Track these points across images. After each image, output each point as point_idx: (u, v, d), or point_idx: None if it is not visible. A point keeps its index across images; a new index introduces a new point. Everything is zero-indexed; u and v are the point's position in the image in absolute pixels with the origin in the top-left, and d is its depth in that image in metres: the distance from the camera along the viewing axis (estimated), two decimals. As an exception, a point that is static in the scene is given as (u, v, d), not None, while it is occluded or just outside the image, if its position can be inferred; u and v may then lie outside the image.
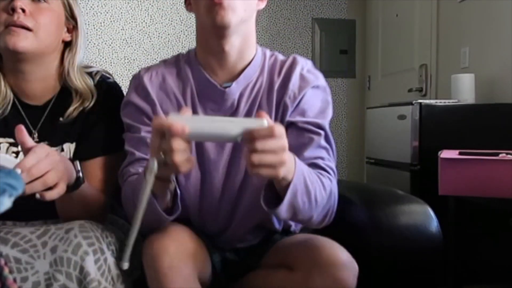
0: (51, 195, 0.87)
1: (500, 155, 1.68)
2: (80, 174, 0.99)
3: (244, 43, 1.05)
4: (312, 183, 0.94)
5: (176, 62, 1.12)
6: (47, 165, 0.86)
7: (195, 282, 0.97)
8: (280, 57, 1.13)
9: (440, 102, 2.27)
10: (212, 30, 1.01)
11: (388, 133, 2.56)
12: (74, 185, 0.99)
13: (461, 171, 1.62)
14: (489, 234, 2.09)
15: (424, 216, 1.19)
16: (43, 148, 0.88)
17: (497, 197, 1.59)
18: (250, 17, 1.04)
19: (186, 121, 0.77)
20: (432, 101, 2.29)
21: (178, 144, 0.77)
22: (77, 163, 1.00)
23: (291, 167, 0.87)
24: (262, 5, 1.08)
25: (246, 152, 0.78)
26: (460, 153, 1.75)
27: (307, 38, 3.84)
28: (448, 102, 2.28)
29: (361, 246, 1.05)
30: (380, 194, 1.31)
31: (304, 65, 1.11)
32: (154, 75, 1.10)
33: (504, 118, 2.19)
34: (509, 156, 1.64)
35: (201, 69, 1.07)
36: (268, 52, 1.13)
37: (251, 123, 0.78)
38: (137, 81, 1.10)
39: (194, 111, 1.07)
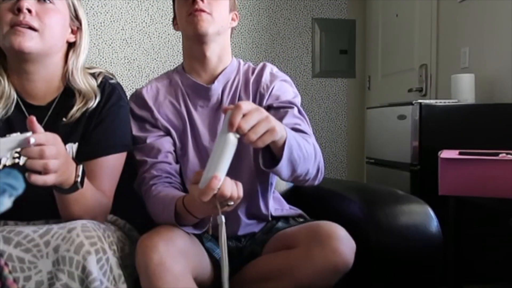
0: (36, 179, 0.86)
1: (500, 155, 1.67)
2: (79, 179, 0.98)
3: (222, 51, 1.26)
4: (299, 139, 1.07)
5: (167, 75, 1.33)
6: (56, 153, 0.88)
7: (186, 279, 0.99)
8: (252, 64, 1.34)
9: (440, 102, 2.26)
10: (194, 38, 1.21)
11: (388, 133, 2.56)
12: (70, 188, 0.98)
13: (461, 171, 1.62)
14: (489, 234, 2.09)
15: (424, 216, 1.19)
16: (56, 137, 0.90)
17: (497, 197, 1.59)
18: (224, 31, 1.26)
19: (210, 172, 0.87)
20: (432, 101, 2.28)
21: (234, 192, 0.89)
22: (80, 168, 0.99)
23: (282, 127, 0.99)
24: (235, 23, 1.31)
25: (244, 138, 0.89)
26: (460, 153, 1.75)
27: (307, 38, 3.84)
28: (448, 102, 2.28)
29: (361, 245, 1.05)
30: (380, 194, 1.31)
31: (273, 67, 1.33)
32: (150, 88, 1.29)
33: (504, 118, 2.19)
34: (509, 156, 1.64)
35: (188, 76, 1.28)
36: (242, 61, 1.35)
37: (225, 120, 0.88)
38: (134, 96, 1.29)
39: (187, 110, 1.26)
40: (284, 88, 1.28)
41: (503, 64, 2.37)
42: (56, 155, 0.88)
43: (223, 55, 1.27)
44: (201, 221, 1.05)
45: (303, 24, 3.83)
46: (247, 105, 0.90)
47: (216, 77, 1.26)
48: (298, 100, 1.28)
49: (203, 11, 1.17)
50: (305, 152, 1.07)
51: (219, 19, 1.21)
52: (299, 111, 1.25)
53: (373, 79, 3.81)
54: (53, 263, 0.94)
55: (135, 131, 1.25)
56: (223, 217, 0.89)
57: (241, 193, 0.92)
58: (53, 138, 0.89)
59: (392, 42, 3.51)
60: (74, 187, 0.98)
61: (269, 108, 1.24)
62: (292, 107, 1.24)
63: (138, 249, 0.99)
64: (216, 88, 1.26)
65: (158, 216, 1.11)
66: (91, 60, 3.54)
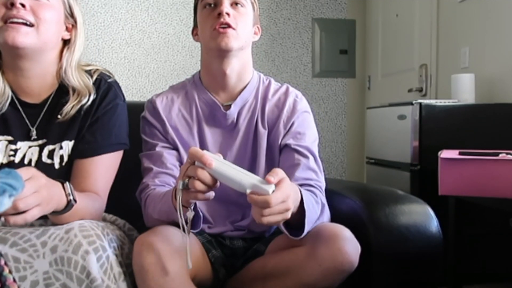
0: (15, 221, 0.82)
1: (500, 155, 1.67)
2: (71, 197, 0.96)
3: (242, 68, 1.23)
4: (314, 208, 1.07)
5: (183, 86, 1.30)
6: (33, 202, 0.83)
7: (181, 278, 0.98)
8: (274, 82, 1.31)
9: (440, 102, 2.26)
10: (216, 54, 1.19)
11: (388, 133, 2.56)
12: (64, 209, 0.96)
13: (461, 171, 1.62)
14: (489, 234, 2.09)
15: (424, 216, 1.19)
16: (31, 172, 0.85)
17: (497, 197, 1.59)
18: (247, 46, 1.23)
19: (215, 159, 0.89)
20: (432, 101, 2.28)
21: (201, 173, 0.89)
22: (67, 185, 0.96)
23: (296, 206, 0.97)
24: (257, 37, 1.29)
25: (254, 211, 0.89)
26: (460, 153, 1.75)
27: (307, 38, 3.84)
28: (448, 102, 2.28)
29: (361, 246, 1.05)
30: (380, 194, 1.31)
31: (297, 93, 1.30)
32: (164, 99, 1.27)
33: (504, 118, 2.19)
34: (509, 156, 1.64)
35: (206, 91, 1.25)
36: (262, 76, 1.31)
37: (261, 184, 0.88)
38: (150, 104, 1.28)
39: (199, 127, 1.25)
40: (306, 124, 1.26)
41: (503, 64, 2.37)
42: (35, 202, 0.83)
43: (243, 72, 1.24)
44: (195, 220, 1.03)
45: (303, 24, 3.83)
46: (278, 197, 0.87)
47: (234, 97, 1.24)
48: (317, 143, 1.26)
49: (230, 26, 1.15)
50: (318, 218, 1.10)
51: (243, 34, 1.19)
52: (315, 160, 1.22)
53: (373, 79, 3.81)
54: (50, 263, 0.93)
55: (146, 136, 1.25)
56: (180, 184, 0.91)
57: (207, 194, 0.92)
58: (32, 185, 0.83)
59: (392, 42, 3.51)
60: (69, 206, 0.96)
61: (285, 146, 1.23)
62: (308, 157, 1.21)
63: (134, 248, 1.00)
64: (233, 112, 1.24)
65: (154, 209, 1.10)
66: (92, 60, 3.53)
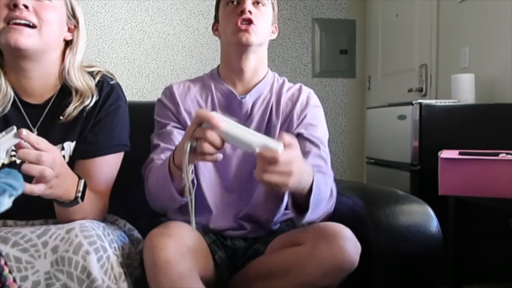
0: (27, 188, 0.86)
1: (500, 155, 1.67)
2: (79, 194, 0.99)
3: (258, 63, 1.30)
4: (324, 190, 1.06)
5: (201, 79, 1.36)
6: (52, 162, 0.88)
7: (192, 277, 0.99)
8: (287, 81, 1.38)
9: (440, 102, 2.27)
10: (236, 49, 1.25)
11: (388, 133, 2.56)
12: (70, 203, 0.99)
13: (461, 171, 1.62)
14: (489, 234, 2.09)
15: (424, 216, 1.19)
16: (52, 146, 0.91)
17: (497, 197, 1.59)
18: (265, 43, 1.30)
19: (224, 120, 0.89)
20: (432, 101, 2.29)
21: (210, 135, 0.89)
22: (82, 182, 1.00)
23: (304, 182, 0.97)
24: (274, 36, 1.36)
25: (258, 167, 0.88)
26: (460, 153, 1.75)
27: (307, 38, 3.84)
28: (448, 102, 2.28)
29: (361, 246, 1.05)
30: (380, 194, 1.31)
31: (310, 90, 1.36)
32: (182, 86, 1.33)
33: (504, 118, 2.19)
34: (509, 156, 1.64)
35: (223, 82, 1.31)
36: (277, 75, 1.38)
37: (270, 143, 0.88)
38: (167, 90, 1.33)
39: None
40: (318, 119, 1.31)
41: (503, 64, 2.37)
42: (51, 164, 0.88)
43: (259, 68, 1.31)
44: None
45: (303, 24, 3.83)
46: (287, 157, 0.88)
47: (249, 90, 1.30)
48: (327, 138, 1.31)
49: (251, 22, 1.22)
50: (326, 204, 1.10)
51: (263, 31, 1.26)
52: (324, 151, 1.26)
53: (373, 79, 3.81)
54: (51, 263, 0.94)
55: (159, 117, 1.29)
56: (188, 145, 0.90)
57: (214, 154, 0.91)
58: (48, 145, 0.90)
59: (392, 42, 3.51)
60: (75, 202, 0.99)
61: (298, 135, 1.26)
62: (319, 147, 1.25)
63: (146, 244, 1.00)
64: (247, 102, 1.28)
65: (152, 179, 1.13)
66: (92, 60, 3.54)
